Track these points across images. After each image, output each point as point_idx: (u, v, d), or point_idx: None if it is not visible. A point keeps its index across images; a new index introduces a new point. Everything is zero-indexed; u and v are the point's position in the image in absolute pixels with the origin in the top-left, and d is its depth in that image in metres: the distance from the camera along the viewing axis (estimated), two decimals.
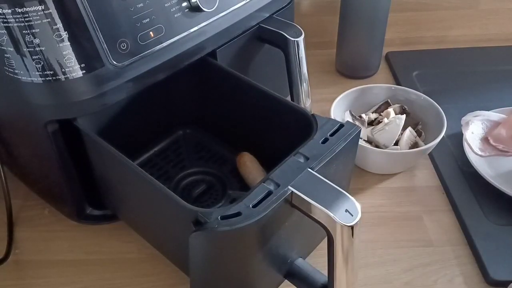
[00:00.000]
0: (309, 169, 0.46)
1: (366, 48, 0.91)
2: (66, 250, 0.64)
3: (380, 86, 0.80)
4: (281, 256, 0.54)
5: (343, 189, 0.44)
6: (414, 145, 0.73)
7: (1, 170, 0.62)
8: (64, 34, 0.48)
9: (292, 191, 0.44)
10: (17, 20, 0.47)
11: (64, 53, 0.49)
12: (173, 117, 0.71)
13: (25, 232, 0.66)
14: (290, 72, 0.71)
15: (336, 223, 0.42)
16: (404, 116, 0.74)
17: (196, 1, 0.57)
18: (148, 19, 0.54)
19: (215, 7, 0.59)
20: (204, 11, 0.58)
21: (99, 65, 0.51)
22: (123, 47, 0.52)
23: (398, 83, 0.90)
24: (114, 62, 0.52)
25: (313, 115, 0.54)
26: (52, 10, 0.47)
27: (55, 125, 0.54)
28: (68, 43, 0.49)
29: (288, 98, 0.74)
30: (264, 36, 0.70)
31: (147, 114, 0.66)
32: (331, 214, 0.42)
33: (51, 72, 0.49)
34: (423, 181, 0.73)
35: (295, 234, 0.53)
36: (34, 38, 0.48)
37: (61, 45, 0.48)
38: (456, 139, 0.76)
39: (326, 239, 0.45)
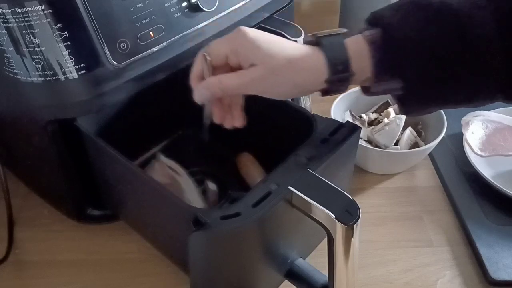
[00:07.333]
0: (309, 169, 0.46)
1: None
2: (66, 250, 0.64)
3: None
4: (281, 256, 0.54)
5: (343, 189, 0.44)
6: (414, 145, 0.73)
7: (1, 170, 0.62)
8: (64, 34, 0.48)
9: (292, 191, 0.44)
10: (17, 20, 0.47)
11: (64, 53, 0.49)
12: (173, 117, 0.70)
13: (25, 232, 0.66)
14: None
15: (336, 223, 0.42)
16: (404, 116, 0.73)
17: (196, 1, 0.57)
18: (148, 19, 0.54)
19: (215, 7, 0.59)
20: (204, 11, 0.58)
21: (99, 65, 0.51)
22: (123, 47, 0.52)
23: None
24: (114, 62, 0.52)
25: (313, 115, 0.54)
26: (52, 10, 0.47)
27: (55, 125, 0.54)
28: (68, 43, 0.49)
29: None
30: None
31: (147, 114, 0.65)
32: (331, 214, 0.42)
33: (51, 72, 0.49)
34: (423, 181, 0.73)
35: (295, 234, 0.53)
36: (34, 38, 0.48)
37: (61, 45, 0.48)
38: (456, 139, 0.76)
39: (326, 239, 0.45)
